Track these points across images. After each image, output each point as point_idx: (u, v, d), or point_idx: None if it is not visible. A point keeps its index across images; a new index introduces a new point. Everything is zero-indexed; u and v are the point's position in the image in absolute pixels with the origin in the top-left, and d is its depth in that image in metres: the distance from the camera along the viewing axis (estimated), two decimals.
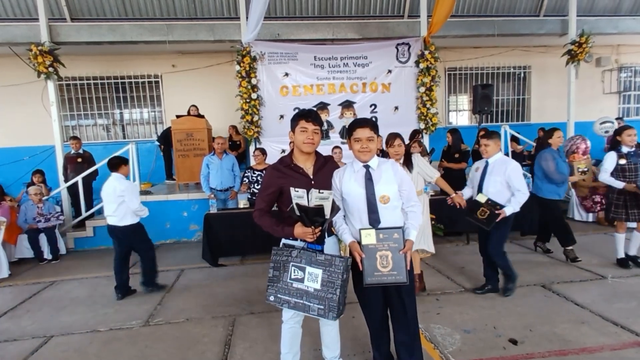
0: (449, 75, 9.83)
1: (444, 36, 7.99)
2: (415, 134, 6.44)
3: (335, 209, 2.07)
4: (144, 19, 7.87)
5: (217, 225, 4.98)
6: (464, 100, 10.20)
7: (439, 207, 5.09)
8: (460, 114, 10.32)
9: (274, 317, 3.24)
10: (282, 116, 7.59)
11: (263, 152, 5.79)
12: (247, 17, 7.17)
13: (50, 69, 6.84)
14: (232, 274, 4.63)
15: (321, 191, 2.01)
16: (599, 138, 7.99)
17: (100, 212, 6.62)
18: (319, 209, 2.00)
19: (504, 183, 3.39)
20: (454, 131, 6.57)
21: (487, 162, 3.53)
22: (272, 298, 2.16)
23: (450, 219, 5.15)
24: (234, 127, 8.58)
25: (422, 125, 7.80)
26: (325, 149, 6.86)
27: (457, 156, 6.25)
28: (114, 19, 7.83)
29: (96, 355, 2.90)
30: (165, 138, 7.79)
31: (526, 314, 3.21)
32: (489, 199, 3.46)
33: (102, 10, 7.82)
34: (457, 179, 5.82)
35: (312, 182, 2.16)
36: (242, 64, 7.18)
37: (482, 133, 3.88)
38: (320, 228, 2.06)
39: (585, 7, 8.52)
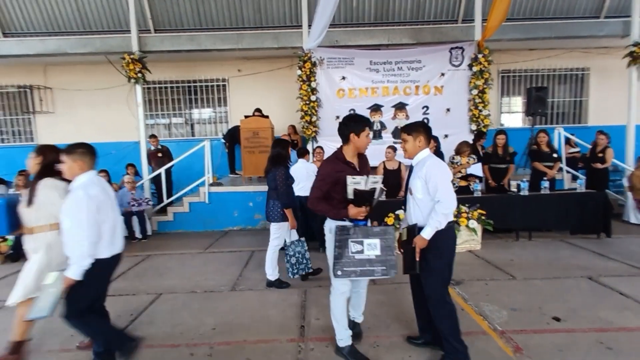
0: (502, 77, 9.90)
1: (499, 39, 8.13)
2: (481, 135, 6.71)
3: (381, 191, 2.61)
4: (216, 28, 8.75)
5: None
6: (517, 102, 10.21)
7: (490, 203, 5.42)
8: (513, 115, 10.34)
9: None
10: (337, 117, 8.12)
11: (322, 149, 6.37)
12: (309, 25, 7.83)
13: (139, 75, 7.86)
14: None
15: (375, 177, 2.52)
16: None
17: (179, 199, 7.56)
18: (372, 191, 2.53)
19: (427, 190, 2.49)
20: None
21: (411, 166, 2.67)
22: (339, 272, 2.58)
23: (500, 215, 5.43)
24: (292, 127, 9.22)
25: (474, 127, 8.03)
26: (378, 148, 7.37)
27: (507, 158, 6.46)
28: (191, 29, 8.79)
29: (198, 309, 3.61)
30: (230, 136, 8.62)
31: (571, 299, 3.51)
32: (410, 228, 2.60)
33: (180, 21, 8.80)
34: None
35: (360, 173, 2.65)
36: (303, 69, 7.83)
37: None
38: (370, 207, 2.58)
39: None
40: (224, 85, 9.91)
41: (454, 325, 2.54)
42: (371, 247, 2.61)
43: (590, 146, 7.52)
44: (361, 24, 8.75)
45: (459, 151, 5.98)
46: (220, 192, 7.26)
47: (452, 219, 2.57)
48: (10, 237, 5.52)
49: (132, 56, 7.75)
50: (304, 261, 4.01)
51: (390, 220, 5.26)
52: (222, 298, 3.85)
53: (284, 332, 3.08)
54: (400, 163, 6.16)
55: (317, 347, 2.82)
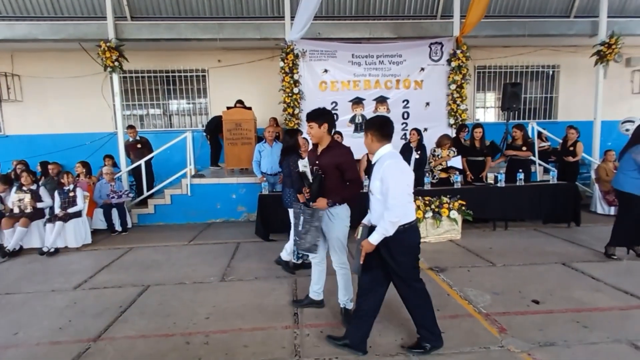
0: (478, 73, 10.20)
1: (475, 36, 8.37)
2: (462, 128, 6.92)
3: (313, 173, 2.87)
4: (195, 17, 8.57)
5: (269, 204, 5.63)
6: (491, 98, 10.55)
7: (469, 194, 5.62)
8: (487, 110, 10.69)
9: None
10: None
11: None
12: (291, 17, 7.81)
13: (116, 63, 7.61)
14: (282, 247, 5.27)
15: (302, 161, 2.86)
16: (625, 137, 8.26)
17: (160, 192, 7.42)
18: (303, 173, 2.88)
19: (382, 191, 2.40)
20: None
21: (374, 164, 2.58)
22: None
23: (479, 206, 5.65)
24: (274, 119, 9.19)
25: (452, 121, 8.26)
26: (358, 142, 7.41)
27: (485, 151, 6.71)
28: (169, 17, 8.56)
29: (190, 299, 3.60)
30: (210, 128, 8.52)
31: (547, 283, 3.73)
32: (365, 228, 2.57)
33: (158, 9, 8.56)
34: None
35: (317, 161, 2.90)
36: (285, 61, 7.80)
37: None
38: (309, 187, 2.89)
39: (616, 9, 8.76)
40: (203, 76, 9.74)
41: (432, 315, 2.62)
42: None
43: (560, 140, 7.89)
44: (343, 17, 8.80)
45: (439, 144, 6.17)
46: (202, 184, 7.18)
47: (411, 219, 2.45)
48: None
49: (108, 44, 7.49)
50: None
51: (418, 213, 5.36)
52: (212, 288, 3.86)
53: (278, 319, 3.13)
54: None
55: (313, 332, 2.89)
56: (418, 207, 5.31)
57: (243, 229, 6.49)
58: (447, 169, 6.18)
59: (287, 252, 4.27)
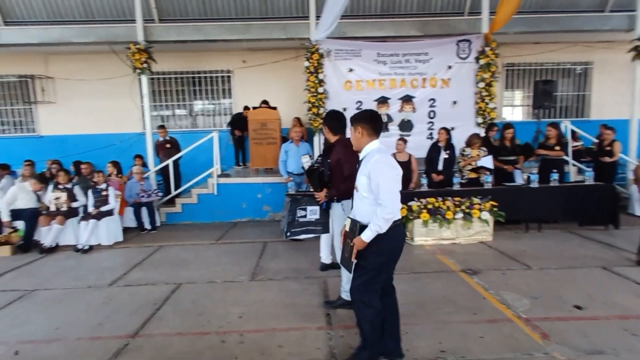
0: (507, 70, 9.94)
1: (505, 33, 8.14)
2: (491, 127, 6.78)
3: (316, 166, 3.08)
4: (221, 19, 8.66)
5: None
6: (520, 96, 10.27)
7: (501, 195, 5.47)
8: (515, 109, 10.41)
9: None
10: (345, 109, 8.06)
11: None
12: (317, 17, 7.80)
13: (145, 65, 7.78)
14: (310, 247, 5.21)
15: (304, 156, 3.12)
16: None
17: (187, 191, 7.53)
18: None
19: (371, 189, 2.30)
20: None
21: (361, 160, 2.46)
22: (289, 234, 3.66)
23: (510, 207, 5.48)
24: (297, 119, 9.19)
25: (480, 120, 8.07)
26: (384, 141, 7.37)
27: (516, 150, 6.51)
28: (196, 19, 8.69)
29: (222, 298, 3.62)
30: (233, 125, 8.62)
31: (587, 286, 3.58)
32: (353, 221, 2.43)
33: (185, 11, 8.71)
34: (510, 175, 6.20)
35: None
36: (310, 60, 7.79)
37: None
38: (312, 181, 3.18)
39: None
40: (228, 77, 9.85)
41: (375, 328, 2.39)
42: (313, 213, 3.59)
43: (595, 140, 7.60)
44: (368, 15, 8.73)
45: (469, 143, 6.03)
46: (228, 184, 7.25)
47: (397, 217, 2.32)
48: (21, 228, 5.48)
49: (137, 46, 7.65)
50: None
51: (403, 212, 5.28)
52: (243, 288, 3.87)
53: (312, 320, 3.11)
54: (410, 155, 6.20)
55: (347, 334, 2.86)
56: (448, 208, 5.21)
57: (269, 228, 6.51)
58: (477, 169, 6.03)
59: (324, 256, 4.25)
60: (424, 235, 5.25)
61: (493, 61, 7.86)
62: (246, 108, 8.75)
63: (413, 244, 5.23)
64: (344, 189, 3.07)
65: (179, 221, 7.20)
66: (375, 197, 2.26)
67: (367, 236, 2.27)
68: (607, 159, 6.62)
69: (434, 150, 6.18)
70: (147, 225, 6.54)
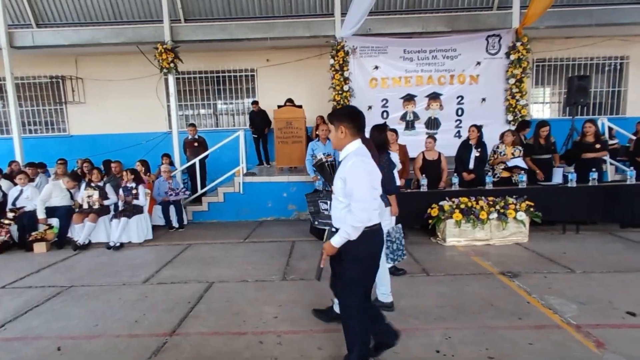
0: (537, 66, 9.62)
1: (536, 27, 7.89)
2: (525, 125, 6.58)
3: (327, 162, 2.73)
4: (246, 18, 8.69)
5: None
6: (550, 92, 9.93)
7: (535, 194, 5.27)
8: (545, 106, 10.08)
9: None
10: (370, 107, 8.04)
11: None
12: (342, 15, 7.73)
13: (171, 65, 7.86)
14: None
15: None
16: None
17: (213, 189, 7.58)
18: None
19: (345, 192, 2.17)
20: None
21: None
22: (316, 223, 4.24)
23: (546, 207, 5.26)
24: (321, 117, 9.10)
25: (510, 117, 7.85)
26: (409, 139, 7.25)
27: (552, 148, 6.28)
28: (220, 18, 8.74)
29: (255, 297, 3.59)
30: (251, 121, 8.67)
31: (638, 292, 3.38)
32: (330, 229, 2.37)
33: (210, 11, 8.76)
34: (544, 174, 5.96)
35: None
36: (336, 58, 7.72)
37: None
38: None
39: None
40: (252, 76, 9.87)
41: (363, 342, 2.29)
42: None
43: (632, 138, 7.26)
44: (395, 11, 8.59)
45: (504, 141, 5.84)
46: (254, 183, 7.25)
47: (374, 222, 2.20)
48: (56, 225, 5.60)
49: (164, 46, 7.74)
50: (402, 247, 3.96)
51: (434, 211, 5.17)
52: (275, 287, 3.83)
53: None
54: (440, 153, 6.05)
55: None
56: (481, 208, 5.05)
57: (295, 227, 6.48)
58: (510, 168, 5.83)
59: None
60: (457, 235, 5.11)
61: (524, 56, 7.64)
62: (254, 103, 8.79)
63: (445, 244, 5.09)
64: None
65: (206, 220, 7.24)
66: (349, 201, 2.12)
67: (336, 242, 2.16)
68: None
69: (465, 148, 6.01)
70: (175, 224, 6.59)
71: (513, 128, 7.90)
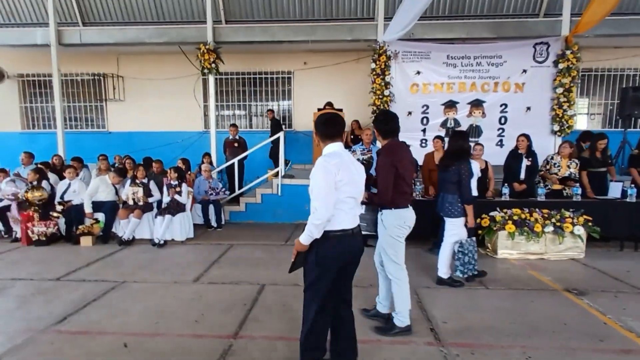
0: (582, 76, 9.29)
1: (586, 36, 7.61)
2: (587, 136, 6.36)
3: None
4: (286, 20, 8.68)
5: None
6: (597, 104, 9.58)
7: (591, 208, 5.03)
8: (589, 117, 9.73)
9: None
10: (410, 113, 7.91)
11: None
12: (385, 18, 7.65)
13: (213, 65, 7.91)
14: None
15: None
16: None
17: (251, 190, 7.57)
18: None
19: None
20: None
21: None
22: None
23: (602, 222, 5.00)
24: (356, 122, 9.05)
25: (556, 127, 7.59)
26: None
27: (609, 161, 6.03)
28: (261, 20, 8.76)
29: None
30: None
31: None
32: None
33: (251, 13, 8.80)
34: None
35: None
36: (377, 62, 7.63)
37: None
38: None
39: None
40: (289, 78, 9.86)
41: (311, 348, 2.29)
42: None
43: None
44: (438, 16, 8.44)
45: (560, 152, 5.62)
46: (292, 185, 7.20)
47: (338, 227, 2.17)
48: (102, 219, 5.66)
49: (207, 47, 7.81)
50: (473, 261, 3.83)
51: (485, 222, 4.99)
52: None
53: (416, 334, 2.91)
54: (487, 162, 5.87)
55: (462, 353, 2.64)
56: (536, 220, 4.85)
57: None
58: (565, 179, 5.60)
59: (444, 270, 3.92)
60: (509, 248, 4.91)
61: (574, 65, 7.38)
62: (270, 111, 8.78)
63: (496, 257, 4.90)
64: (376, 200, 2.94)
65: (242, 220, 7.23)
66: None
67: (303, 239, 2.17)
68: None
69: (514, 158, 5.81)
70: (214, 223, 6.59)
71: (559, 139, 7.70)
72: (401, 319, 2.92)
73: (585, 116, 9.72)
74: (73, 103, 10.10)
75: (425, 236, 5.60)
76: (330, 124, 2.28)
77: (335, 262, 2.22)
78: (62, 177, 6.95)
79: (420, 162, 6.26)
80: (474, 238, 3.75)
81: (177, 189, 5.79)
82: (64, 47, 8.39)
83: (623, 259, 4.87)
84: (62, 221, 5.70)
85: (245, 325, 3.04)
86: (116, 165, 7.55)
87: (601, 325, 3.05)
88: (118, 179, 5.94)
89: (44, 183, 5.90)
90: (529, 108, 7.72)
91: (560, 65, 7.42)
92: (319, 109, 7.83)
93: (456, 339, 2.82)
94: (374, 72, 7.68)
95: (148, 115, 10.01)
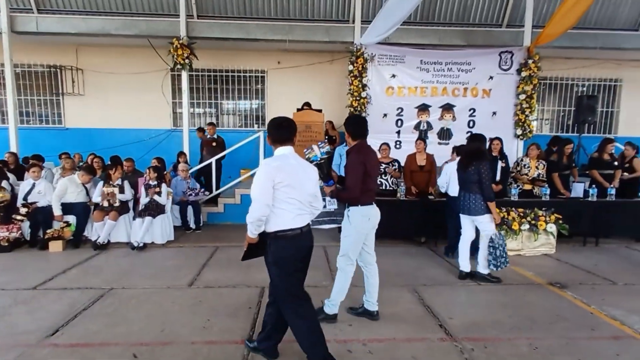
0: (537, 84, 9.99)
1: (545, 47, 8.20)
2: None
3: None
4: (261, 18, 8.54)
5: None
6: (550, 110, 10.34)
7: (561, 208, 5.44)
8: (541, 122, 10.49)
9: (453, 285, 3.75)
10: (385, 115, 8.13)
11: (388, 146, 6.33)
12: (362, 22, 7.80)
13: (186, 61, 7.64)
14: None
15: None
16: None
17: (230, 191, 7.36)
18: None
19: None
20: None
21: None
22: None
23: (570, 220, 5.42)
24: (330, 122, 9.10)
25: (519, 132, 8.13)
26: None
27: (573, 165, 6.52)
28: (235, 17, 8.54)
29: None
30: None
31: None
32: None
33: (225, 8, 8.56)
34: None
35: None
36: (355, 64, 7.75)
37: None
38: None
39: None
40: (262, 77, 9.72)
41: (312, 339, 2.39)
42: (331, 203, 3.72)
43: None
44: (411, 22, 8.66)
45: (528, 154, 6.02)
46: None
47: (281, 228, 2.32)
48: (73, 222, 5.27)
49: (181, 41, 7.52)
50: (504, 254, 3.98)
51: None
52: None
53: (428, 330, 3.01)
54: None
55: (477, 347, 2.76)
56: (513, 219, 5.16)
57: (317, 231, 6.37)
58: (534, 180, 6.01)
59: (483, 264, 4.14)
60: None
61: (535, 74, 7.94)
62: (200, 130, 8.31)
63: None
64: (344, 196, 3.05)
65: (221, 221, 7.04)
66: None
67: (249, 231, 2.35)
68: (627, 175, 6.39)
69: (490, 160, 6.12)
70: (192, 225, 6.36)
71: (521, 142, 8.24)
72: (331, 307, 3.15)
73: (537, 121, 10.45)
74: (25, 97, 9.28)
75: (409, 236, 5.79)
76: (281, 129, 2.40)
77: (292, 260, 2.36)
78: (19, 177, 6.41)
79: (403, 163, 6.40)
80: (502, 232, 3.98)
81: (157, 190, 5.52)
82: (17, 35, 7.70)
83: (588, 253, 5.32)
84: (26, 225, 5.23)
85: (257, 330, 2.97)
86: (81, 164, 7.05)
87: (589, 315, 3.32)
88: (88, 177, 5.55)
89: (4, 183, 5.40)
90: (494, 113, 8.20)
91: (523, 74, 7.96)
92: (298, 109, 7.79)
93: (466, 333, 2.95)
94: (352, 74, 7.80)
95: (110, 111, 9.43)
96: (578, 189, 5.92)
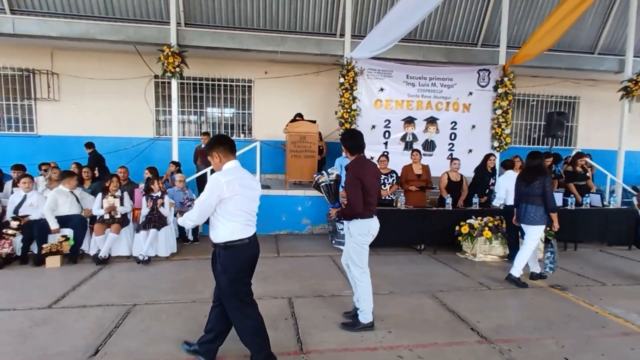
0: None
1: (517, 66, 8.87)
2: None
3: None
4: (250, 29, 8.59)
5: None
6: (516, 124, 11.11)
7: None
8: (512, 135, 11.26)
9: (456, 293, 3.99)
10: (373, 126, 8.40)
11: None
12: (352, 35, 8.07)
13: (177, 69, 7.52)
14: (383, 262, 5.31)
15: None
16: None
17: None
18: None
19: None
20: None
21: None
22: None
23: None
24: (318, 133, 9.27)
25: (496, 144, 8.69)
26: (407, 159, 7.57)
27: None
28: (223, 26, 8.52)
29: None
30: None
31: None
32: None
33: (214, 17, 8.52)
34: None
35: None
36: (346, 77, 7.97)
37: None
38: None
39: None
40: (249, 87, 9.72)
41: (257, 341, 2.57)
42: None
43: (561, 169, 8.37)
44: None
45: (508, 166, 6.46)
46: (269, 196, 7.12)
47: (231, 238, 2.47)
48: (71, 236, 5.01)
49: (172, 49, 7.39)
50: (556, 258, 4.46)
51: (465, 228, 5.57)
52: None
53: (462, 334, 3.20)
54: (462, 176, 6.52)
55: (512, 348, 2.98)
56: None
57: (314, 241, 6.49)
58: None
59: (535, 267, 4.63)
60: (486, 252, 5.55)
61: (510, 90, 8.56)
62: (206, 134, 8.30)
63: (476, 260, 5.48)
64: (348, 213, 3.18)
65: None
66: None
67: (182, 222, 2.64)
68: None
69: (486, 173, 6.47)
70: (190, 236, 6.24)
71: (497, 154, 8.80)
72: (365, 316, 3.24)
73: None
74: None
75: (408, 244, 6.02)
76: (227, 141, 2.56)
77: (240, 268, 2.53)
78: None
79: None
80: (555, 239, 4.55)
81: (161, 201, 5.38)
82: None
83: (571, 257, 5.80)
84: (17, 239, 4.91)
85: (305, 340, 3.03)
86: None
87: (595, 315, 3.67)
88: (74, 181, 5.30)
89: None
90: (474, 126, 8.72)
91: (499, 90, 8.54)
92: (292, 120, 7.87)
93: (498, 336, 3.17)
94: (343, 87, 8.00)
95: (88, 118, 9.04)
96: (594, 200, 6.46)
